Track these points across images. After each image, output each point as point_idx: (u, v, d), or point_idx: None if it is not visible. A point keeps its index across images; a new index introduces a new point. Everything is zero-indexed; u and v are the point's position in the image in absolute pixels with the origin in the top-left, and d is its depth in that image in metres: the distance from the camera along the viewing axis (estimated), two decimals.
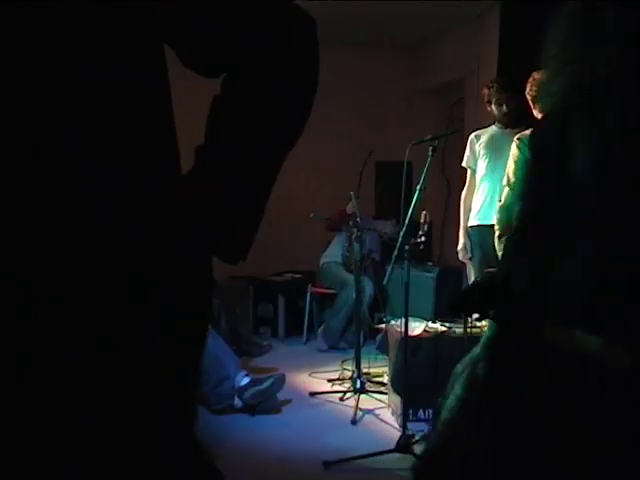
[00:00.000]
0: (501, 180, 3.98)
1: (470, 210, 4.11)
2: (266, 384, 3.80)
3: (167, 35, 0.99)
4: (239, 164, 0.99)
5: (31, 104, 0.86)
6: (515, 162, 3.10)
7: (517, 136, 3.16)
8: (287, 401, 4.03)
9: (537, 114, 3.26)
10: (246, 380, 3.80)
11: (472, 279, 3.87)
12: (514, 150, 3.13)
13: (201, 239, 0.98)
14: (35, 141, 0.86)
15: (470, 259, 4.11)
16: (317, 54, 1.07)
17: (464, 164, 4.24)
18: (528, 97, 3.27)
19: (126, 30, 0.92)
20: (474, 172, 4.17)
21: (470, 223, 4.13)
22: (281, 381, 3.91)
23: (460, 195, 4.26)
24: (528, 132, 3.21)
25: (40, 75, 0.86)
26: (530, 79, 3.26)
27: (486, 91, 4.09)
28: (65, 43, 0.87)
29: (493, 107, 4.06)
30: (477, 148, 4.14)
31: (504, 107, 4.01)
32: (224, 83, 1.02)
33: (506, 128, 4.01)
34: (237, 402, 3.78)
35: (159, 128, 0.98)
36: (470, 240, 4.11)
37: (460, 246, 4.15)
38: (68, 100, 0.87)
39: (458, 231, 4.26)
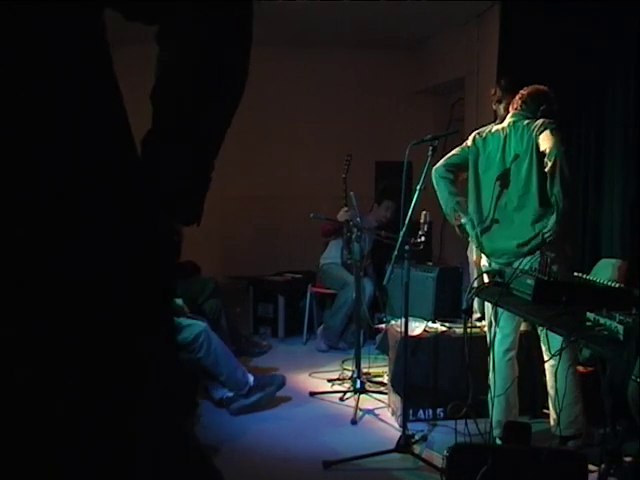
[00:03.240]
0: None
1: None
2: (252, 399, 3.80)
3: None
4: (181, 129, 1.00)
5: None
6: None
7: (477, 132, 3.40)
8: (287, 400, 4.03)
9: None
10: (229, 394, 3.80)
11: (474, 277, 3.86)
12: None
13: (155, 204, 1.00)
14: None
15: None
16: (251, 12, 1.04)
17: None
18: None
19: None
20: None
21: None
22: (272, 394, 3.92)
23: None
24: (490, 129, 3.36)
25: None
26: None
27: (494, 92, 3.99)
28: None
29: (501, 110, 3.97)
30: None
31: None
32: (159, 36, 1.00)
33: None
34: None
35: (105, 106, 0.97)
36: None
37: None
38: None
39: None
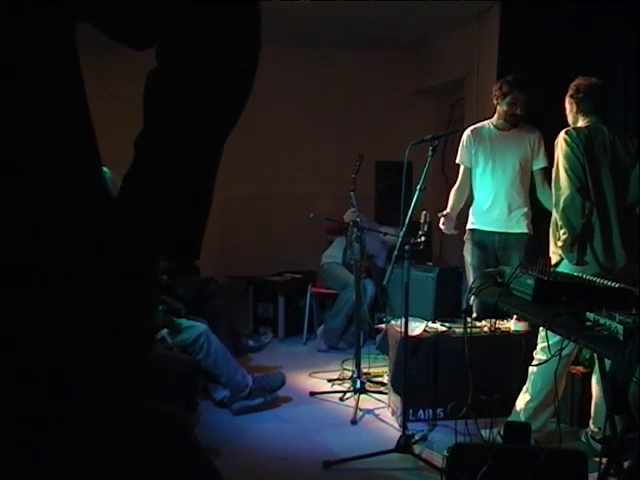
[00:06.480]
0: (503, 183, 3.95)
1: (458, 200, 4.09)
2: (255, 402, 3.81)
3: (90, 12, 0.91)
4: (178, 156, 0.94)
5: None
6: (566, 158, 3.07)
7: (565, 130, 3.12)
8: (287, 400, 4.03)
9: (581, 118, 3.22)
10: (226, 394, 3.81)
11: (471, 279, 3.86)
12: (563, 146, 3.08)
13: (150, 241, 0.94)
14: None
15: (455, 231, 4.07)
16: (258, 39, 0.95)
17: (457, 160, 4.14)
18: (572, 100, 3.23)
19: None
20: (467, 169, 4.09)
21: (469, 226, 4.10)
22: (274, 397, 3.92)
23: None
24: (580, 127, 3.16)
25: None
26: (575, 83, 3.22)
27: (500, 87, 3.93)
28: None
29: (504, 105, 3.92)
30: (473, 150, 4.04)
31: (517, 108, 3.90)
32: (158, 57, 0.93)
33: (508, 130, 3.97)
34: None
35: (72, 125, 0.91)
36: (470, 241, 4.08)
37: (445, 212, 4.02)
38: None
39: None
